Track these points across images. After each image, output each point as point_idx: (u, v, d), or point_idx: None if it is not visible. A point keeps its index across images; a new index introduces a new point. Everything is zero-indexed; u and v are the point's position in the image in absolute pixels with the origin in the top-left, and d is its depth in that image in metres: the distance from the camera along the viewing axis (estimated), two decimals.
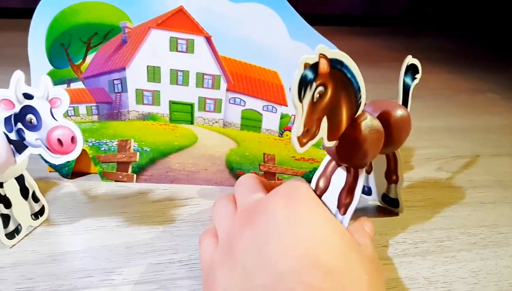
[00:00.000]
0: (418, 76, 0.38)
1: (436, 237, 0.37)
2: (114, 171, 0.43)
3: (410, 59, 0.38)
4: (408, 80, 0.38)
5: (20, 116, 0.30)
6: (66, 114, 0.40)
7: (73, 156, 0.30)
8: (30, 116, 0.30)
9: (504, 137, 0.62)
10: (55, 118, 0.29)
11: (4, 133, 0.30)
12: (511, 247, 0.37)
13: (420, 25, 1.56)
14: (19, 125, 0.30)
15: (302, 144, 0.28)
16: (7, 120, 0.30)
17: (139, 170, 0.43)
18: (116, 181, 0.43)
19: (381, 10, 1.63)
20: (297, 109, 0.27)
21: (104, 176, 0.43)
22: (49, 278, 0.30)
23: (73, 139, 0.29)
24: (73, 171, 0.43)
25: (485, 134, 0.63)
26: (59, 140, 0.29)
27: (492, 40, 1.34)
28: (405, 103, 0.38)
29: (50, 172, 0.44)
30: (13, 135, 0.30)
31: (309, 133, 0.28)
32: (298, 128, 0.27)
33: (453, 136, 0.61)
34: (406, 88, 0.38)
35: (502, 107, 0.78)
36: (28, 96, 0.29)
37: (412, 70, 0.38)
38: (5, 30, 1.24)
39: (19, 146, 0.31)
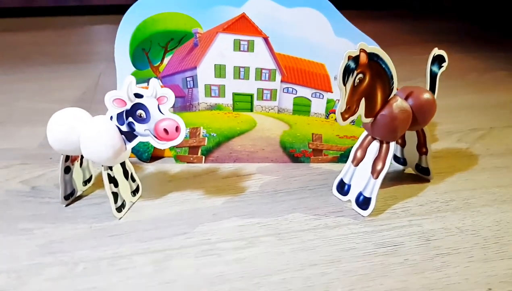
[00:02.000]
0: (445, 64, 0.45)
1: (462, 196, 0.45)
2: (186, 154, 0.50)
3: (436, 51, 0.45)
4: (434, 68, 0.45)
5: (131, 112, 0.37)
6: None
7: (177, 142, 0.37)
8: (140, 111, 0.37)
9: None
10: (162, 113, 0.37)
11: (117, 126, 0.38)
12: None
13: (426, 7, 1.61)
14: (130, 119, 0.37)
15: (344, 119, 0.37)
16: (119, 115, 0.38)
17: (207, 153, 0.50)
18: (188, 162, 0.51)
19: None
20: (341, 91, 0.36)
21: (178, 158, 0.51)
22: (159, 241, 0.38)
23: (177, 129, 0.37)
24: (151, 156, 0.51)
25: (497, 109, 0.70)
26: (165, 130, 0.37)
27: (498, 21, 1.39)
28: (432, 88, 0.45)
29: (130, 157, 0.51)
30: (124, 128, 0.38)
31: (350, 110, 0.37)
32: (341, 105, 0.36)
33: (468, 112, 0.69)
34: (433, 76, 0.45)
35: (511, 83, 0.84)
36: (138, 95, 0.37)
37: (438, 60, 0.45)
38: (39, 29, 1.32)
39: (129, 135, 0.38)
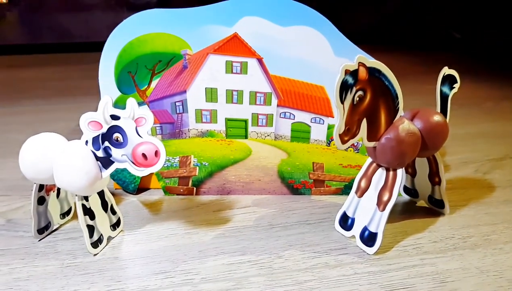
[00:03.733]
0: (457, 85, 0.41)
1: (482, 232, 0.40)
2: (176, 185, 0.46)
3: (446, 70, 0.41)
4: (445, 89, 0.41)
5: (107, 135, 0.34)
6: None
7: (156, 168, 0.34)
8: (116, 135, 0.34)
9: None
10: (140, 136, 0.33)
11: (92, 151, 0.35)
12: None
13: (435, 40, 1.59)
14: (106, 143, 0.34)
15: (343, 142, 0.33)
16: (95, 139, 0.34)
17: (199, 183, 0.46)
18: (177, 194, 0.47)
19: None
20: (339, 110, 0.32)
21: (167, 190, 0.47)
22: (135, 280, 0.34)
23: (156, 153, 0.33)
24: (138, 187, 0.47)
25: None
26: (144, 155, 0.33)
27: (509, 50, 1.36)
28: (443, 111, 0.41)
29: (116, 188, 0.48)
30: (100, 153, 0.34)
31: (350, 132, 0.33)
32: (340, 126, 0.32)
33: (485, 141, 0.64)
34: (444, 97, 0.41)
35: None
36: (115, 117, 0.34)
37: (449, 80, 0.41)
38: (43, 65, 1.33)
39: (105, 162, 0.35)
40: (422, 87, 0.84)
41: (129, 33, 0.42)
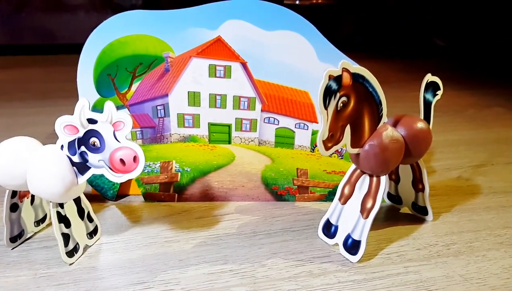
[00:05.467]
0: (440, 92, 0.41)
1: (465, 238, 0.40)
2: (157, 192, 0.45)
3: (429, 77, 0.41)
4: (428, 96, 0.41)
5: (83, 140, 0.33)
6: None
7: (135, 174, 0.33)
8: (93, 139, 0.32)
9: None
10: (118, 140, 0.32)
11: (68, 156, 0.33)
12: None
13: (418, 48, 1.61)
14: (83, 148, 0.33)
15: (327, 148, 0.32)
16: (70, 144, 0.33)
17: (180, 190, 0.45)
18: (158, 200, 0.46)
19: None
20: (322, 116, 0.31)
21: (147, 197, 0.45)
22: None
23: (135, 159, 0.32)
24: (117, 193, 0.45)
25: (497, 145, 0.66)
26: (122, 160, 0.32)
27: (491, 59, 1.39)
28: (427, 117, 0.41)
29: (94, 194, 0.46)
30: (76, 158, 0.33)
31: (333, 138, 0.32)
32: (323, 133, 0.32)
33: (468, 148, 0.64)
34: (427, 104, 0.41)
35: (511, 120, 0.81)
36: (92, 121, 0.32)
37: (432, 87, 0.41)
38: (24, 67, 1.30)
39: (81, 167, 0.33)
40: (405, 94, 0.85)
41: (109, 34, 0.41)
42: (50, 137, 0.65)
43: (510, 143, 0.67)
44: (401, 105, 0.62)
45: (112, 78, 0.42)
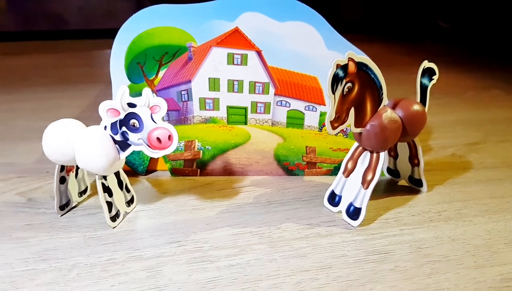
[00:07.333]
0: (435, 77, 0.46)
1: (455, 207, 0.45)
2: (181, 167, 0.51)
3: (426, 63, 0.46)
4: (425, 81, 0.46)
5: (124, 121, 0.38)
6: None
7: (169, 150, 0.38)
8: (133, 121, 0.38)
9: (510, 128, 0.70)
10: (155, 122, 0.38)
11: (111, 136, 0.39)
12: None
13: (422, 31, 1.64)
14: (124, 128, 0.38)
15: (334, 128, 0.38)
16: (113, 125, 0.38)
17: (202, 165, 0.51)
18: (183, 175, 0.51)
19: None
20: (330, 99, 0.36)
21: (173, 171, 0.51)
22: (152, 248, 0.38)
23: (169, 137, 0.38)
24: (147, 169, 0.51)
25: (492, 125, 0.71)
26: (158, 139, 0.37)
27: (493, 42, 1.42)
28: (423, 101, 0.46)
29: (125, 170, 0.52)
30: (118, 137, 0.39)
31: (339, 119, 0.38)
32: (330, 114, 0.37)
33: (464, 128, 0.69)
34: (423, 88, 0.46)
35: (507, 101, 0.86)
36: (131, 105, 0.38)
37: (428, 72, 0.46)
38: (38, 52, 1.35)
39: (123, 145, 0.39)
40: (407, 77, 0.89)
41: (138, 26, 0.46)
42: (78, 120, 0.71)
43: (504, 123, 0.72)
44: (404, 87, 0.66)
45: (141, 66, 0.47)
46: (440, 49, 1.40)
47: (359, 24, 1.64)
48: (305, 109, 0.49)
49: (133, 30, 0.46)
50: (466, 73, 1.07)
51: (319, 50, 0.47)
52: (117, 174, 0.43)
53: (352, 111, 0.38)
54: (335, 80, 0.36)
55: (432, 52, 1.33)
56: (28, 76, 1.06)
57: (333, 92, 0.36)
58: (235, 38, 0.47)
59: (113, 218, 0.41)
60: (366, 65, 0.38)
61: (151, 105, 0.38)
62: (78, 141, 0.39)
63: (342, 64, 0.36)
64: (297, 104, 0.49)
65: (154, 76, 0.48)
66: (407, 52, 1.35)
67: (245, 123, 0.50)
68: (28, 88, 0.94)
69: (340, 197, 0.44)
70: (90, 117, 0.70)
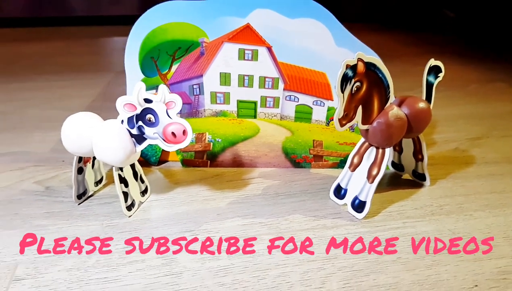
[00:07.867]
0: (441, 74, 0.47)
1: (456, 201, 0.47)
2: (192, 159, 0.53)
3: (432, 62, 0.47)
4: (431, 78, 0.47)
5: (141, 116, 0.40)
6: None
7: (184, 144, 0.40)
8: (149, 115, 0.39)
9: None
10: (170, 117, 0.39)
11: (127, 129, 0.40)
12: None
13: (428, 21, 1.64)
14: (140, 123, 0.40)
15: (342, 125, 0.39)
16: (129, 119, 0.40)
17: (213, 157, 0.53)
18: (194, 166, 0.53)
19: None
20: (339, 98, 0.38)
21: (185, 163, 0.53)
22: (166, 237, 0.40)
23: (184, 132, 0.39)
24: (159, 160, 0.53)
25: (495, 119, 0.72)
26: (173, 133, 0.39)
27: (498, 34, 1.42)
28: (428, 98, 0.47)
29: (138, 160, 0.54)
30: (134, 131, 0.40)
31: (347, 117, 0.39)
32: (339, 112, 0.39)
33: (466, 122, 0.71)
34: (429, 85, 0.47)
35: (510, 95, 0.86)
36: (148, 100, 0.39)
37: (434, 70, 0.47)
38: (45, 39, 1.36)
39: (139, 138, 0.41)
40: (413, 68, 0.90)
41: (152, 22, 0.48)
42: (88, 109, 0.72)
43: (506, 118, 0.73)
44: (410, 79, 0.67)
45: (155, 61, 0.49)
46: (445, 39, 1.41)
47: (365, 14, 1.64)
48: (313, 104, 0.51)
49: (147, 26, 0.48)
50: (470, 65, 1.07)
51: (328, 46, 0.48)
52: (132, 165, 0.44)
53: (360, 109, 0.40)
54: (345, 80, 0.37)
55: (437, 43, 1.34)
56: (38, 64, 1.08)
57: (342, 91, 0.38)
58: (246, 34, 0.48)
59: (129, 207, 0.43)
60: (374, 65, 0.39)
61: (166, 101, 0.39)
62: (96, 135, 0.40)
63: (351, 64, 0.37)
64: (306, 99, 0.51)
65: (167, 70, 0.50)
66: (413, 43, 1.35)
67: (255, 117, 0.51)
68: (39, 77, 0.95)
69: (345, 190, 0.45)
70: (101, 107, 0.72)
